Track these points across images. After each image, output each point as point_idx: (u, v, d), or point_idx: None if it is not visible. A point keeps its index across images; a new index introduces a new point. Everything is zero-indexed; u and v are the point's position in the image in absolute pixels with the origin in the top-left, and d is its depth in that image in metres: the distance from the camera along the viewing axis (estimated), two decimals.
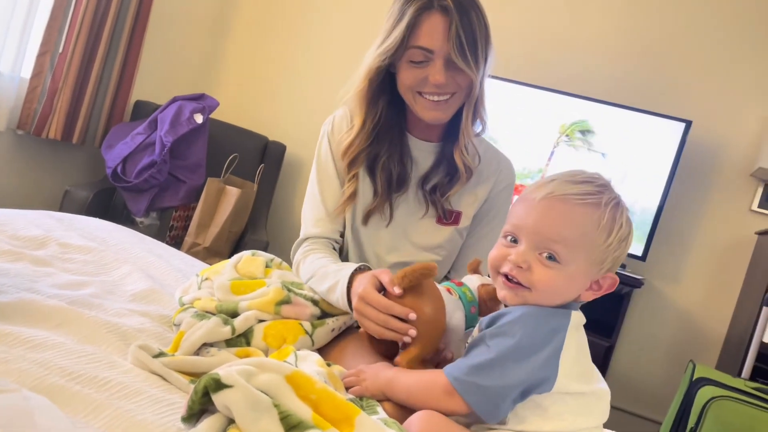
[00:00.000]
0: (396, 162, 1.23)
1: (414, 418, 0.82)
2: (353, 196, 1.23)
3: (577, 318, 0.85)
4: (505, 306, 0.92)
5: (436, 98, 1.15)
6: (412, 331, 0.92)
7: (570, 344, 0.81)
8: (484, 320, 0.87)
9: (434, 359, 0.99)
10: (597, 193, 0.84)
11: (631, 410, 2.83)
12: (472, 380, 0.80)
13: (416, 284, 0.93)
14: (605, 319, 2.61)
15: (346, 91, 1.24)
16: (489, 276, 0.94)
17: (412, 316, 0.91)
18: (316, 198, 1.28)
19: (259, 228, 2.94)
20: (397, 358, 0.94)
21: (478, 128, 1.26)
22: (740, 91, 2.78)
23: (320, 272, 1.14)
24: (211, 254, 2.60)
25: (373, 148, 1.22)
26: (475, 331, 0.89)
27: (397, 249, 1.25)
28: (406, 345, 0.94)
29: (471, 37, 1.10)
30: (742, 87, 2.78)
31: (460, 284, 0.98)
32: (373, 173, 1.23)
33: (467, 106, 1.19)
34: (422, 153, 1.27)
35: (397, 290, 0.93)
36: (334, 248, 1.28)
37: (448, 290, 0.97)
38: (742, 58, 2.78)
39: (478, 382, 0.80)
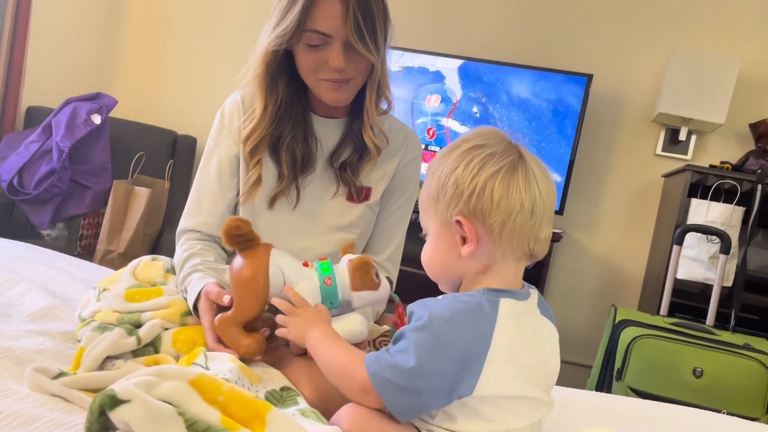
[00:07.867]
0: (300, 142, 1.19)
1: (343, 412, 0.79)
2: (258, 182, 1.19)
3: (509, 306, 0.77)
4: (376, 279, 0.97)
5: (337, 78, 1.11)
6: (225, 297, 0.96)
7: (502, 341, 0.75)
8: (410, 307, 0.80)
9: (261, 324, 0.99)
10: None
11: (563, 359, 2.93)
12: (389, 378, 0.74)
13: (245, 248, 0.95)
14: (528, 274, 2.67)
15: (242, 75, 1.19)
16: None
17: (226, 298, 0.96)
18: (209, 187, 1.24)
19: (177, 226, 2.84)
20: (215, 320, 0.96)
21: (384, 106, 1.24)
22: (635, 40, 2.87)
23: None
24: (127, 260, 2.47)
25: (276, 129, 1.18)
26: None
27: (307, 232, 1.22)
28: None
29: (369, 19, 1.06)
30: (636, 36, 2.87)
31: (324, 259, 0.98)
32: (278, 156, 1.19)
33: (370, 86, 1.17)
34: (327, 129, 1.23)
35: (226, 299, 0.96)
36: (215, 240, 1.26)
37: (305, 263, 0.97)
38: (634, 7, 2.87)
39: (397, 382, 0.74)
